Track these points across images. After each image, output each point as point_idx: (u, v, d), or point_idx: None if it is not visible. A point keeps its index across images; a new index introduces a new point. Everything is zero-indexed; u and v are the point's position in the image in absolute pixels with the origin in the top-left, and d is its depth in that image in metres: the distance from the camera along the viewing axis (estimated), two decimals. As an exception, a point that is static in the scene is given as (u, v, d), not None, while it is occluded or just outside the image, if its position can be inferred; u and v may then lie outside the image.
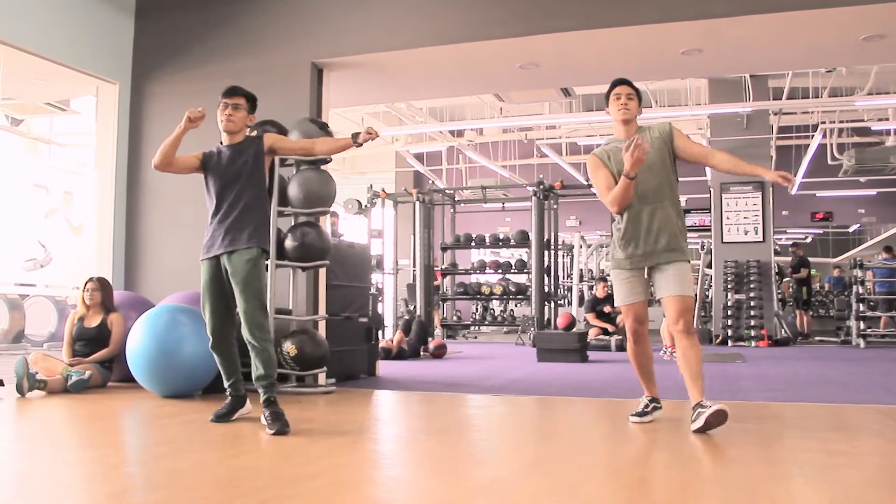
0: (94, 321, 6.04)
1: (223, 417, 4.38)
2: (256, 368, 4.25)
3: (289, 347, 5.87)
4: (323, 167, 6.07)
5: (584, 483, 2.98)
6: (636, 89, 4.41)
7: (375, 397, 6.00)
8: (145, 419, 4.74)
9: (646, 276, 4.28)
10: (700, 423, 3.88)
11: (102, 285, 6.16)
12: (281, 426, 3.98)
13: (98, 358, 5.91)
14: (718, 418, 3.88)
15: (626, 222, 4.26)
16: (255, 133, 6.17)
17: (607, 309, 11.70)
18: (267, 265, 4.78)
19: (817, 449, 3.63)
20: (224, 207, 4.39)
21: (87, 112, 9.99)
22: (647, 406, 4.37)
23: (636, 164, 4.03)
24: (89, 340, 5.99)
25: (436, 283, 15.49)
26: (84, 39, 6.97)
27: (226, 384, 4.49)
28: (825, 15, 6.02)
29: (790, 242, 19.23)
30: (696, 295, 14.69)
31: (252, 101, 4.53)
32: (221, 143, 4.52)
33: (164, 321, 5.49)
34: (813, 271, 16.79)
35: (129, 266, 7.24)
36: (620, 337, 11.18)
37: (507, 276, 15.95)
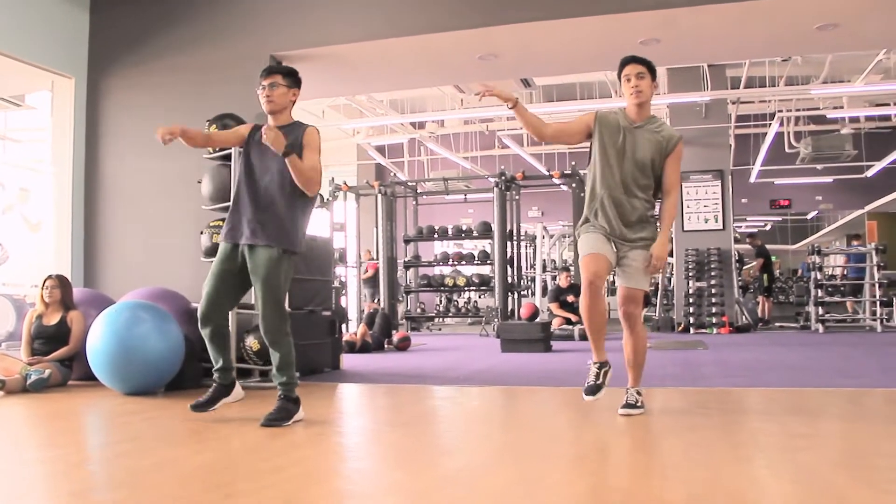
0: (53, 319, 5.96)
1: (203, 406, 4.23)
2: (273, 366, 4.23)
3: (251, 342, 5.85)
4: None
5: (550, 471, 3.00)
6: (647, 65, 4.36)
7: (340, 390, 5.98)
8: (107, 417, 4.68)
9: (614, 248, 4.23)
10: (622, 410, 4.19)
11: (61, 282, 6.07)
12: (267, 419, 4.01)
13: (58, 356, 5.83)
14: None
15: (599, 199, 4.25)
16: (214, 127, 6.12)
17: (570, 298, 11.76)
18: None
19: (778, 432, 3.70)
20: (257, 192, 4.16)
21: (43, 107, 9.82)
22: (597, 376, 4.32)
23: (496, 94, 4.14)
24: (48, 339, 5.90)
25: (367, 275, 15.47)
26: (38, 33, 6.85)
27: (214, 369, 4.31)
28: (780, 4, 6.12)
29: (747, 233, 19.43)
30: (657, 283, 14.86)
31: (291, 76, 4.24)
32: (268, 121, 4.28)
33: (124, 318, 5.41)
34: (773, 258, 17.03)
35: (89, 263, 7.14)
36: (583, 326, 11.24)
37: (458, 267, 15.92)
